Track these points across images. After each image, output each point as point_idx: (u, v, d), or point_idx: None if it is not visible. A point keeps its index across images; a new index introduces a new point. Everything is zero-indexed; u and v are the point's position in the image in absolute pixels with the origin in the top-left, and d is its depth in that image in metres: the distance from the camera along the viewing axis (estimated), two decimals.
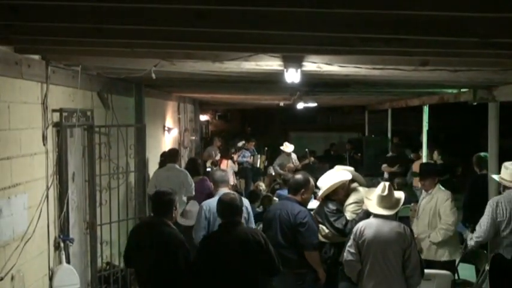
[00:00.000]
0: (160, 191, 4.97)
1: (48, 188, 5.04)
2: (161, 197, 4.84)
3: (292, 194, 5.59)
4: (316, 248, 5.38)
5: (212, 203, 5.52)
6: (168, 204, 4.74)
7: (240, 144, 14.97)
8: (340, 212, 5.70)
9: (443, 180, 7.08)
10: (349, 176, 5.86)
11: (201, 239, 5.02)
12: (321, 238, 5.62)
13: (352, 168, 6.27)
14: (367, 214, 5.28)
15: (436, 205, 6.41)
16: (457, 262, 6.72)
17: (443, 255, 6.38)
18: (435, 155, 12.19)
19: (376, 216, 5.07)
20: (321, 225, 5.67)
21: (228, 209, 4.70)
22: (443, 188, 6.67)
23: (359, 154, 15.92)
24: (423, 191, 6.90)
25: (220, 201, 4.82)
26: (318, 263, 5.41)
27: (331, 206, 5.68)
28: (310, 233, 5.35)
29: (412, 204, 8.02)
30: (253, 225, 5.73)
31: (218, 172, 6.16)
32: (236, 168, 13.61)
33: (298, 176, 5.73)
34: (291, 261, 5.31)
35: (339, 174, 5.88)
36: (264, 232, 5.57)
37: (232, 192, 5.38)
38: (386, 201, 5.06)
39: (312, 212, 5.70)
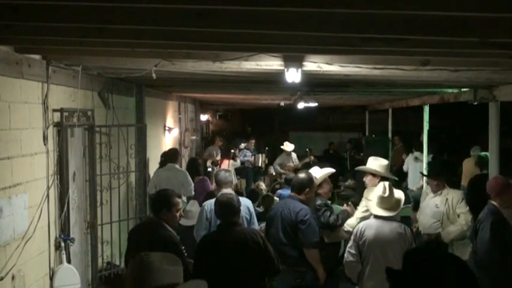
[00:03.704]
0: (158, 190, 5.00)
1: (48, 188, 5.05)
2: (156, 195, 4.92)
3: (296, 193, 5.62)
4: (315, 246, 5.41)
5: (211, 203, 5.54)
6: (160, 203, 4.74)
7: (242, 146, 15.01)
8: (327, 206, 5.97)
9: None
10: (332, 170, 6.29)
11: (199, 240, 5.02)
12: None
13: (387, 161, 6.33)
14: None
15: (452, 205, 6.36)
16: None
17: (467, 253, 6.34)
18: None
19: (377, 216, 5.07)
20: None
21: (226, 209, 4.70)
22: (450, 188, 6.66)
23: (361, 154, 15.91)
24: (425, 190, 6.89)
25: (217, 202, 4.82)
26: (318, 262, 5.42)
27: (319, 201, 5.92)
28: (310, 231, 5.37)
29: (413, 204, 8.02)
30: (255, 226, 5.72)
31: (222, 172, 6.09)
32: (238, 164, 13.61)
33: (302, 176, 5.75)
34: (291, 259, 5.35)
35: (323, 169, 6.25)
36: (267, 230, 5.63)
37: (229, 192, 5.37)
38: (387, 202, 5.06)
39: None
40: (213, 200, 5.67)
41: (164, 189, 5.21)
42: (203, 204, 5.98)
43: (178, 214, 4.77)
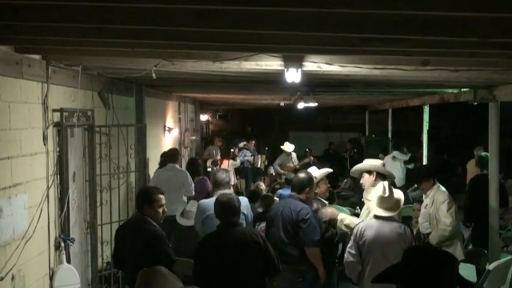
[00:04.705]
0: (140, 188, 5.10)
1: (48, 188, 5.05)
2: (138, 192, 5.10)
3: (297, 192, 5.62)
4: (316, 245, 5.40)
5: (205, 203, 5.59)
6: (142, 199, 4.84)
7: (242, 145, 15.01)
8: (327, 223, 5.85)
9: (442, 179, 7.05)
10: (329, 170, 6.34)
11: (200, 240, 5.02)
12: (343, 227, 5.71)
13: (381, 161, 6.36)
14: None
15: (436, 207, 6.41)
16: None
17: (460, 256, 6.37)
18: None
19: (377, 217, 5.07)
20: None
21: (226, 209, 4.70)
22: (443, 189, 6.65)
23: (355, 150, 16.01)
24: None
25: (217, 202, 4.82)
26: (318, 260, 5.42)
27: (315, 205, 5.87)
28: (311, 230, 5.37)
29: (414, 204, 8.04)
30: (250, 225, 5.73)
31: (219, 173, 6.05)
32: (238, 164, 13.60)
33: (302, 175, 5.76)
34: (291, 258, 5.35)
35: (321, 169, 6.27)
36: (267, 229, 5.63)
37: (229, 192, 5.37)
38: (387, 202, 5.05)
39: None
40: (207, 200, 5.71)
41: (147, 186, 5.29)
42: (198, 202, 6.03)
43: (161, 210, 4.85)
